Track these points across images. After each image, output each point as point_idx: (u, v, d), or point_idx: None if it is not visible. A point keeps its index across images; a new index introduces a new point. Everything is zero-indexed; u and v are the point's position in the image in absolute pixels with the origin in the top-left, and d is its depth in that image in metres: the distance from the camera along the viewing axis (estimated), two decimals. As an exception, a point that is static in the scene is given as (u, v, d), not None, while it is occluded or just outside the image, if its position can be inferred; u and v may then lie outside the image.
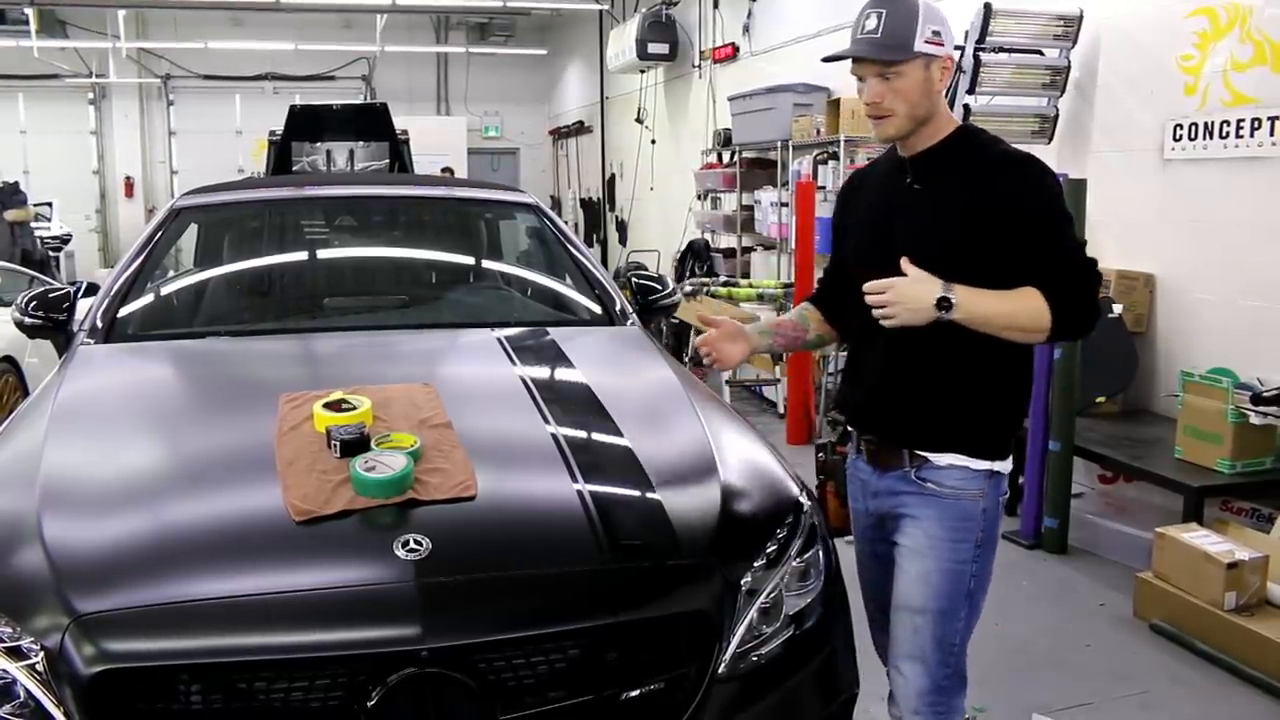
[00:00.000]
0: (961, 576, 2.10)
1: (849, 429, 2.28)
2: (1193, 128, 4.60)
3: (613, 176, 13.81)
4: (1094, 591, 4.12)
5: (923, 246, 2.00)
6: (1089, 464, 4.48)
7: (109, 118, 15.36)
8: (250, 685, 1.70)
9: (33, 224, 10.20)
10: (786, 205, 7.69)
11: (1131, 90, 5.01)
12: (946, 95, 2.40)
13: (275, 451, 2.11)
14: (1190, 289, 4.68)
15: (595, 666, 1.83)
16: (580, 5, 12.64)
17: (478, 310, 3.52)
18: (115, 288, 3.19)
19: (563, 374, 2.79)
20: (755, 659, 1.94)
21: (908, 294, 1.95)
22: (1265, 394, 3.89)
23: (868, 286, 2.00)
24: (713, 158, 9.46)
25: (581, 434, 2.35)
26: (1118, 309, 4.70)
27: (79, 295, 3.48)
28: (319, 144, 7.09)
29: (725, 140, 9.00)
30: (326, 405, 2.22)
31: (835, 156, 6.95)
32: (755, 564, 2.01)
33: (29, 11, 12.25)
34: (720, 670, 1.89)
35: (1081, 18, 5.19)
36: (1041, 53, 5.27)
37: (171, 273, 3.88)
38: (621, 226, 13.48)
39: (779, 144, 7.81)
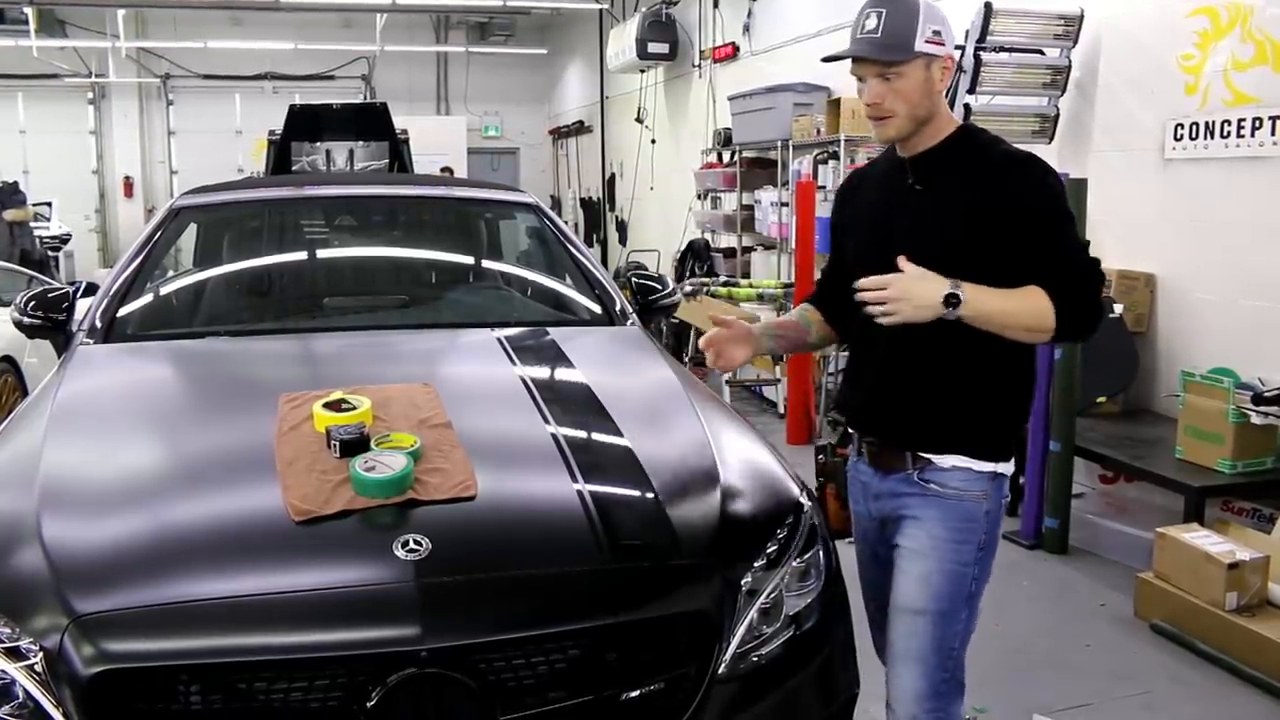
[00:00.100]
0: (963, 578, 2.09)
1: (850, 430, 2.27)
2: (1194, 127, 4.60)
3: (613, 176, 13.81)
4: (1094, 592, 4.11)
5: (924, 246, 1.99)
6: (1090, 464, 4.48)
7: (108, 117, 15.36)
8: (250, 686, 1.70)
9: (32, 224, 10.20)
10: (786, 205, 7.69)
11: (1132, 90, 5.01)
12: (947, 95, 2.39)
13: (275, 451, 2.11)
14: (1191, 289, 4.68)
15: (595, 667, 1.82)
16: (580, 5, 12.64)
17: (478, 310, 3.51)
18: (114, 288, 3.19)
19: (563, 374, 2.79)
20: (755, 659, 1.94)
21: (912, 290, 1.93)
22: (1266, 394, 3.88)
23: (862, 283, 1.98)
24: (713, 157, 9.46)
25: (581, 434, 2.35)
26: (1118, 309, 4.70)
27: (78, 295, 3.47)
28: (319, 144, 7.09)
29: (725, 140, 9.00)
30: (326, 405, 2.22)
31: (835, 156, 6.95)
32: (755, 564, 2.00)
33: (28, 11, 12.26)
34: (720, 670, 1.89)
35: (1082, 17, 5.18)
36: (1042, 52, 5.27)
37: (171, 273, 3.87)
38: (621, 226, 13.48)
39: (779, 144, 7.81)
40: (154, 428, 2.37)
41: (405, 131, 6.96)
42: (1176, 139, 4.69)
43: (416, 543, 1.82)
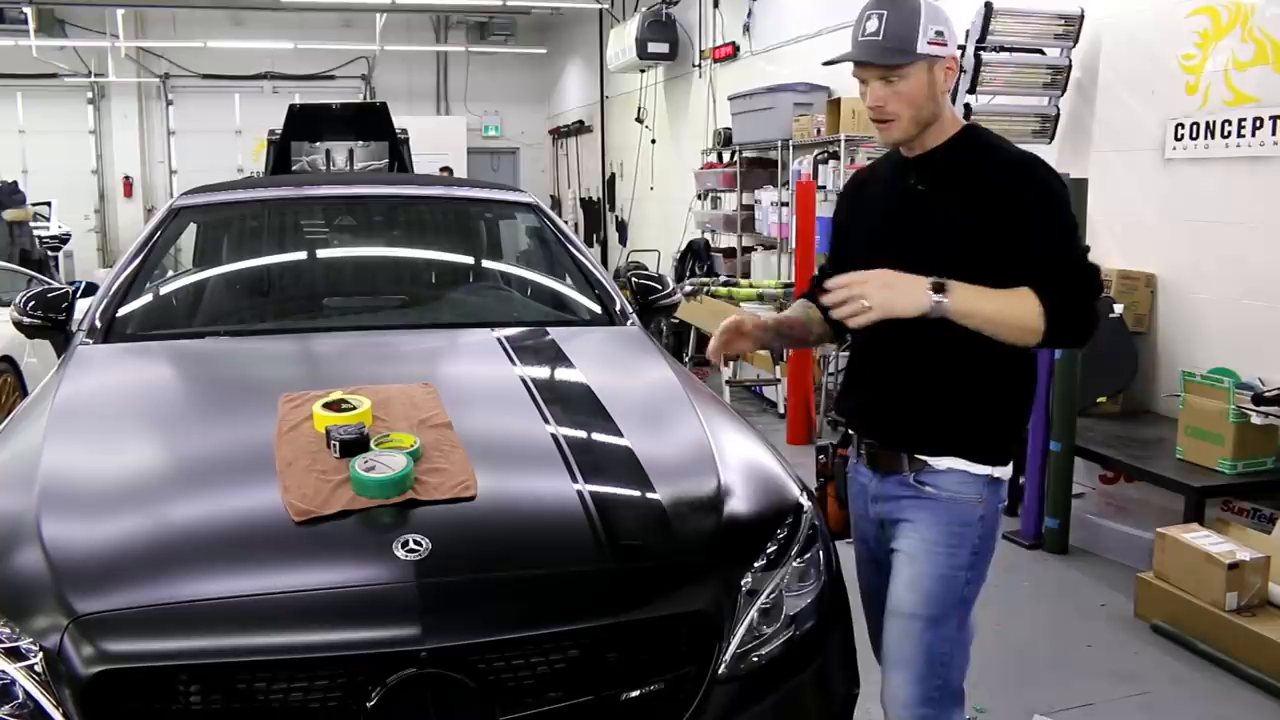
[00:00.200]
0: (955, 583, 2.06)
1: (850, 431, 2.26)
2: (1194, 127, 4.60)
3: (613, 176, 13.81)
4: (1095, 592, 4.11)
5: (924, 247, 1.98)
6: (1090, 464, 4.48)
7: (108, 117, 15.36)
8: (250, 686, 1.69)
9: (31, 224, 10.19)
10: (787, 205, 7.69)
11: (1132, 90, 5.00)
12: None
13: (275, 452, 2.11)
14: (1191, 289, 4.68)
15: (595, 667, 1.82)
16: (580, 5, 12.63)
17: (477, 310, 3.51)
18: (114, 288, 3.19)
19: (563, 374, 2.79)
20: (755, 659, 1.93)
21: (893, 283, 1.89)
22: (1266, 394, 3.88)
23: (832, 283, 1.93)
24: (713, 157, 9.46)
25: (581, 434, 2.35)
26: (1118, 309, 4.70)
27: (78, 295, 3.47)
28: (319, 144, 7.08)
29: (725, 140, 8.99)
30: (326, 405, 2.22)
31: (835, 156, 6.95)
32: (755, 564, 2.00)
33: (28, 11, 12.25)
34: (720, 671, 1.89)
35: (1082, 17, 5.18)
36: (1042, 52, 5.27)
37: (171, 272, 3.87)
38: (621, 226, 13.48)
39: (779, 144, 7.81)
40: (154, 428, 2.37)
41: (405, 131, 6.95)
42: (1177, 139, 4.69)
43: (416, 543, 1.82)
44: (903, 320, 1.92)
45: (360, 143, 7.11)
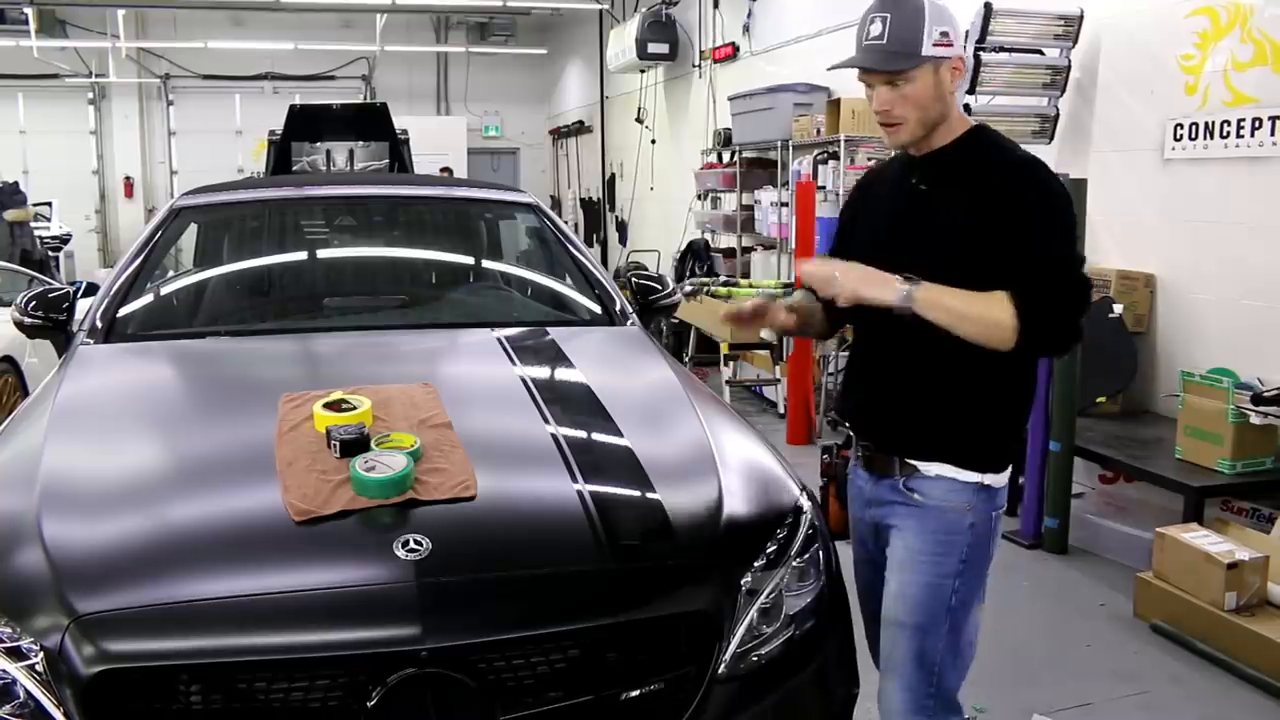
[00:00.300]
0: (941, 592, 2.04)
1: (852, 433, 2.26)
2: (1193, 127, 4.60)
3: (613, 176, 13.81)
4: (1094, 591, 4.12)
5: (923, 247, 1.98)
6: (1089, 464, 4.48)
7: (109, 118, 15.36)
8: (250, 685, 1.70)
9: (32, 224, 10.19)
10: (786, 205, 7.69)
11: (1132, 90, 5.01)
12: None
13: (275, 452, 2.11)
14: (1191, 289, 4.68)
15: (595, 666, 1.83)
16: (580, 5, 12.63)
17: (478, 310, 3.52)
18: (115, 288, 3.19)
19: (563, 374, 2.79)
20: (755, 659, 1.94)
21: (867, 273, 1.93)
22: (1266, 394, 3.89)
23: (807, 268, 1.98)
24: (713, 158, 9.46)
25: (581, 434, 2.35)
26: (1118, 309, 4.70)
27: (79, 295, 3.48)
28: (319, 144, 7.08)
29: (725, 140, 8.99)
30: (326, 405, 2.23)
31: (835, 156, 6.95)
32: (755, 564, 2.01)
33: (29, 11, 12.25)
34: (720, 670, 1.89)
35: (1082, 17, 5.18)
36: (1042, 52, 5.27)
37: (171, 273, 3.88)
38: (621, 226, 13.48)
39: (779, 144, 7.81)
40: (154, 428, 2.37)
41: (405, 132, 6.95)
42: (1176, 139, 4.69)
43: (416, 543, 1.82)
44: (900, 321, 1.93)
45: (360, 143, 7.11)
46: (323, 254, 3.91)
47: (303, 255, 3.90)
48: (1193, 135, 4.60)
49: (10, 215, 9.46)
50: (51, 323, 3.24)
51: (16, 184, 10.41)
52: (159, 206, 10.89)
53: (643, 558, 1.96)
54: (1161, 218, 4.83)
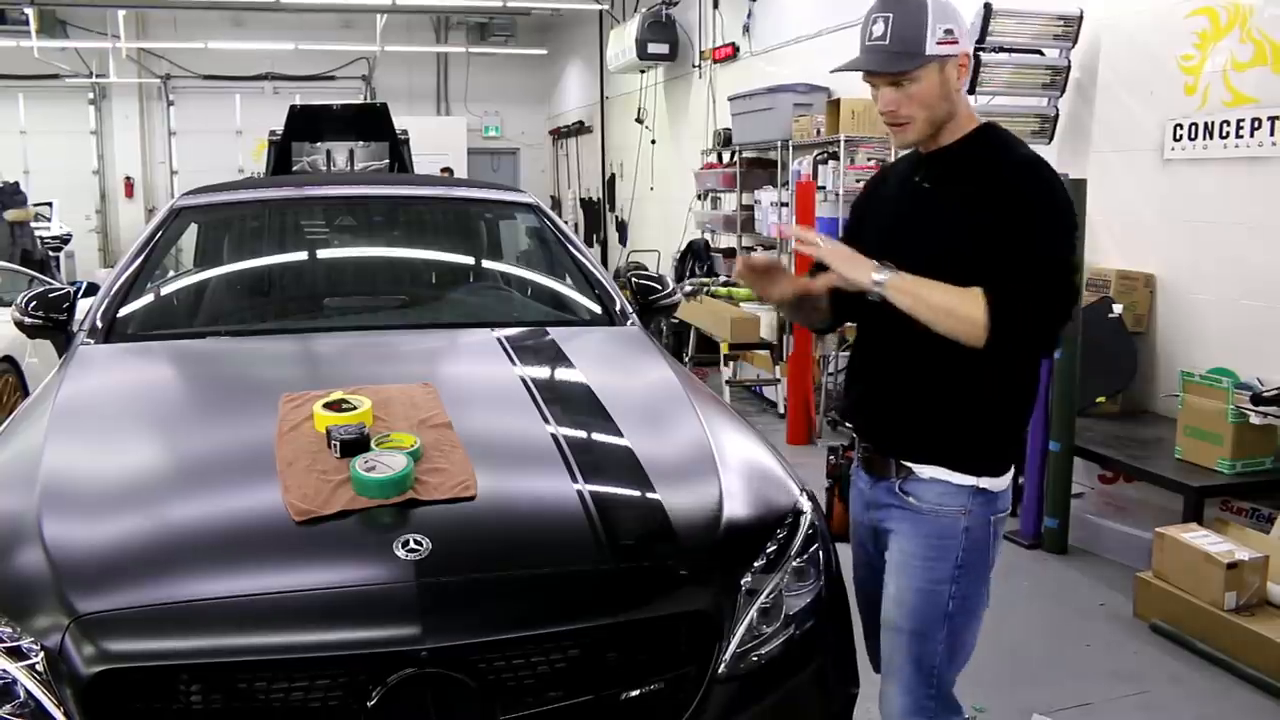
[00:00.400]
0: (937, 597, 2.02)
1: (854, 434, 2.25)
2: (1193, 128, 4.60)
3: (613, 176, 13.81)
4: (1094, 591, 4.12)
5: (928, 245, 1.96)
6: (1089, 464, 4.48)
7: (109, 118, 15.36)
8: (250, 685, 1.70)
9: (33, 224, 10.19)
10: (786, 205, 7.69)
11: (1131, 90, 5.01)
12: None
13: (275, 451, 2.12)
14: (1190, 289, 4.68)
15: (595, 666, 1.83)
16: (580, 5, 12.63)
17: (478, 310, 3.52)
18: (115, 288, 3.20)
19: (563, 374, 2.79)
20: (755, 659, 1.94)
21: (852, 252, 1.94)
22: (1265, 394, 3.89)
23: (794, 229, 1.97)
24: (713, 158, 9.46)
25: (581, 434, 2.35)
26: (1118, 309, 4.70)
27: (79, 295, 3.48)
28: (319, 144, 7.08)
29: (725, 140, 9.00)
30: (326, 405, 2.23)
31: (835, 157, 6.95)
32: (755, 564, 2.01)
33: (29, 11, 12.25)
34: (720, 670, 1.89)
35: (1081, 17, 5.19)
36: (1041, 53, 5.27)
37: (171, 273, 3.88)
38: (621, 226, 13.48)
39: (779, 144, 7.81)
40: (155, 428, 2.38)
41: (405, 132, 6.95)
42: (1176, 139, 4.69)
43: (417, 543, 1.83)
44: (900, 320, 1.92)
45: (361, 143, 7.11)
46: (323, 254, 3.91)
47: (303, 255, 3.90)
48: (1192, 135, 4.61)
49: (11, 215, 9.46)
50: (52, 323, 3.24)
51: (17, 184, 10.41)
52: (159, 206, 10.89)
53: (643, 558, 1.96)
54: (1161, 218, 4.83)
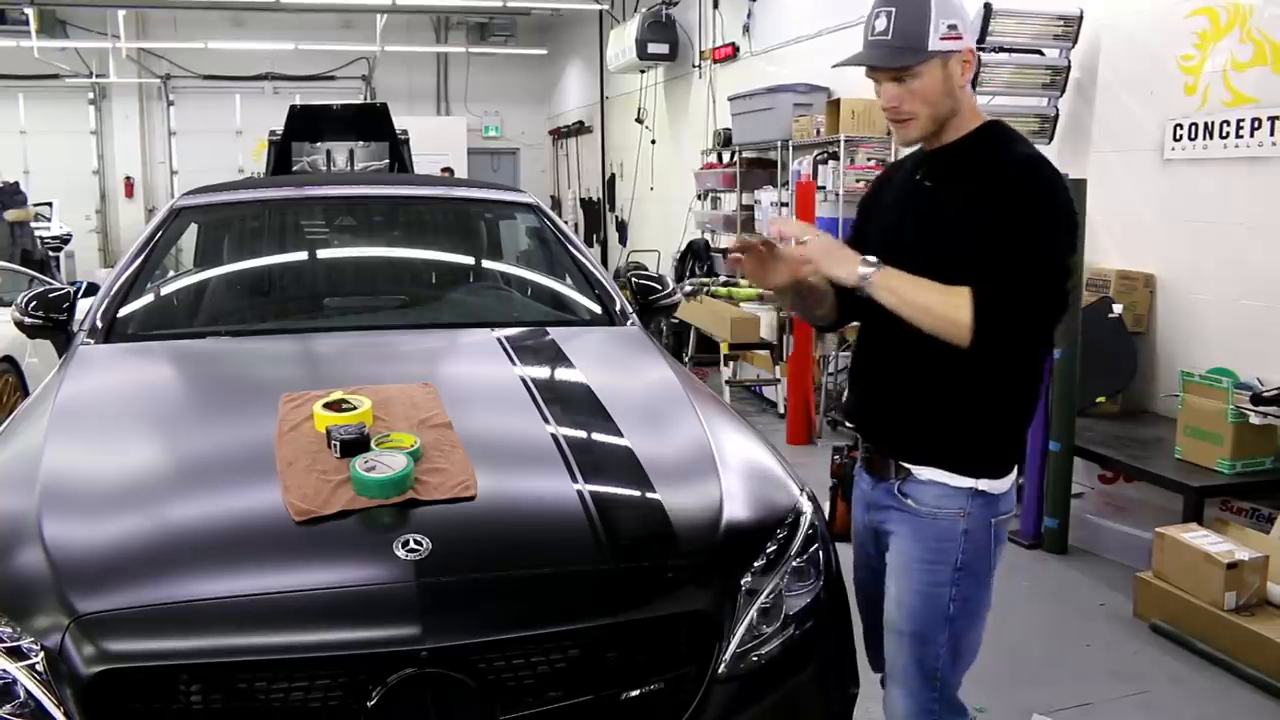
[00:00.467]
0: (937, 600, 2.01)
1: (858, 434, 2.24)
2: (1193, 128, 4.60)
3: (613, 176, 13.82)
4: (1094, 591, 4.12)
5: (927, 244, 1.94)
6: (1089, 464, 4.48)
7: (109, 118, 15.36)
8: (250, 685, 1.70)
9: (33, 224, 10.20)
10: (786, 205, 7.69)
11: (1131, 90, 5.01)
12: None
13: (275, 451, 2.12)
14: (1190, 289, 4.68)
15: (595, 666, 1.83)
16: (580, 5, 12.64)
17: (478, 310, 3.52)
18: (115, 288, 3.20)
19: (563, 374, 2.79)
20: (755, 659, 1.94)
21: (838, 247, 1.94)
22: (1265, 394, 3.89)
23: (778, 223, 1.96)
24: (713, 158, 9.46)
25: (581, 434, 2.35)
26: (1118, 309, 4.71)
27: (79, 295, 3.48)
28: (319, 144, 7.08)
29: (725, 140, 9.00)
30: (326, 405, 2.23)
31: (835, 157, 6.95)
32: (755, 564, 2.01)
33: (29, 11, 12.25)
34: (720, 670, 1.89)
35: (1081, 18, 5.19)
36: (1041, 53, 5.27)
37: (172, 273, 3.88)
38: (621, 226, 13.49)
39: (779, 144, 7.81)
40: (155, 428, 2.38)
41: (405, 132, 6.95)
42: (1176, 139, 4.69)
43: (417, 543, 1.83)
44: (900, 319, 1.91)
45: (361, 143, 7.11)
46: (323, 254, 3.91)
47: (303, 255, 3.90)
48: (1192, 135, 4.61)
49: (11, 215, 9.47)
50: (52, 323, 3.24)
51: (17, 184, 10.42)
52: (159, 206, 10.90)
53: (643, 558, 1.95)
54: (1161, 218, 4.83)
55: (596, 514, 2.00)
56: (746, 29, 9.42)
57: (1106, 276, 4.86)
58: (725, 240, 9.46)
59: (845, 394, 2.30)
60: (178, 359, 2.94)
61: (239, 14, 14.68)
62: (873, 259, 1.92)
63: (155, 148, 15.62)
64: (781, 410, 6.97)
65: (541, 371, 2.77)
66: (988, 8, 5.07)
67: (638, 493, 2.10)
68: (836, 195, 6.84)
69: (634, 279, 3.70)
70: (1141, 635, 3.73)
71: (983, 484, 1.99)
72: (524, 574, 1.88)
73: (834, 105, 6.98)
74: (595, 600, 1.87)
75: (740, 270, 2.14)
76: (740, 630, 1.93)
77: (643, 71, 11.72)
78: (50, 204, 12.47)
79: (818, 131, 7.17)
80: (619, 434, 2.32)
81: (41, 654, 1.69)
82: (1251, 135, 4.33)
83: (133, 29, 14.01)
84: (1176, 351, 4.73)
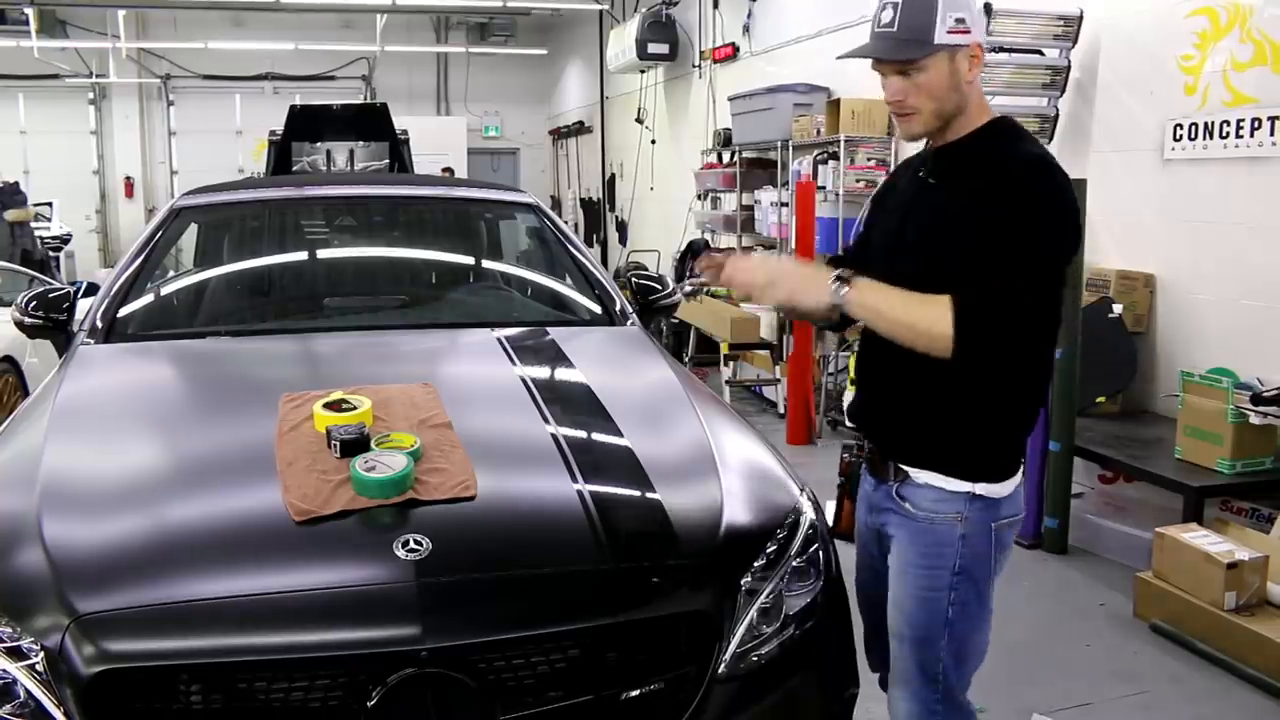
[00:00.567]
0: (936, 604, 1.99)
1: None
2: (1193, 128, 4.60)
3: (613, 176, 13.81)
4: (1094, 591, 4.12)
5: (929, 244, 1.92)
6: (1089, 464, 4.48)
7: (109, 118, 15.36)
8: (250, 685, 1.70)
9: (33, 224, 10.20)
10: (786, 205, 7.69)
11: (1131, 90, 5.01)
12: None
13: (275, 451, 2.12)
14: (1190, 289, 4.68)
15: (595, 666, 1.83)
16: (580, 5, 12.64)
17: (478, 310, 3.52)
18: (115, 288, 3.20)
19: (563, 374, 2.79)
20: (755, 659, 1.94)
21: (806, 272, 1.89)
22: (1265, 394, 3.89)
23: (735, 261, 1.92)
24: (713, 158, 9.46)
25: (581, 434, 2.35)
26: (1118, 309, 4.71)
27: (79, 295, 3.48)
28: (319, 144, 7.08)
29: (725, 140, 9.00)
30: (326, 405, 2.23)
31: (835, 157, 6.95)
32: (755, 564, 2.01)
33: (29, 11, 12.25)
34: (720, 670, 1.89)
35: (1081, 18, 5.19)
36: (1041, 53, 5.27)
37: (172, 273, 3.88)
38: (621, 226, 13.48)
39: (779, 144, 7.81)
40: (155, 428, 2.38)
41: (405, 132, 6.95)
42: (1176, 139, 4.69)
43: (417, 543, 1.83)
44: None
45: (361, 143, 7.11)
46: (323, 254, 3.91)
47: (303, 255, 3.90)
48: (1192, 135, 4.61)
49: (11, 215, 9.47)
50: (52, 323, 3.24)
51: (17, 184, 10.42)
52: (159, 206, 10.90)
53: (643, 558, 1.95)
54: (1161, 218, 4.83)
55: (596, 514, 2.00)
56: (746, 29, 9.42)
57: (1106, 276, 4.86)
58: (725, 240, 9.45)
59: (845, 394, 2.30)
60: (178, 359, 2.94)
61: (239, 14, 14.68)
62: (845, 273, 1.87)
63: (155, 148, 15.62)
64: (781, 410, 6.97)
65: (541, 371, 2.77)
66: (988, 7, 5.07)
67: (638, 493, 2.10)
68: (836, 195, 6.84)
69: (634, 279, 3.70)
70: (1141, 635, 3.73)
71: (980, 488, 1.96)
72: (524, 574, 1.88)
73: (834, 105, 6.98)
74: (595, 600, 1.87)
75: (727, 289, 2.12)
76: (740, 630, 1.93)
77: (643, 71, 11.72)
78: (50, 204, 12.47)
79: (818, 131, 7.17)
80: (619, 434, 2.32)
81: (41, 654, 1.69)
82: (1251, 135, 4.33)
83: (133, 29, 14.01)
84: (1176, 351, 4.73)
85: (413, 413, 2.30)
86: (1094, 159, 5.20)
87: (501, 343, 2.95)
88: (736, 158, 8.79)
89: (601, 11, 12.55)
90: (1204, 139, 4.55)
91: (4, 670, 1.70)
